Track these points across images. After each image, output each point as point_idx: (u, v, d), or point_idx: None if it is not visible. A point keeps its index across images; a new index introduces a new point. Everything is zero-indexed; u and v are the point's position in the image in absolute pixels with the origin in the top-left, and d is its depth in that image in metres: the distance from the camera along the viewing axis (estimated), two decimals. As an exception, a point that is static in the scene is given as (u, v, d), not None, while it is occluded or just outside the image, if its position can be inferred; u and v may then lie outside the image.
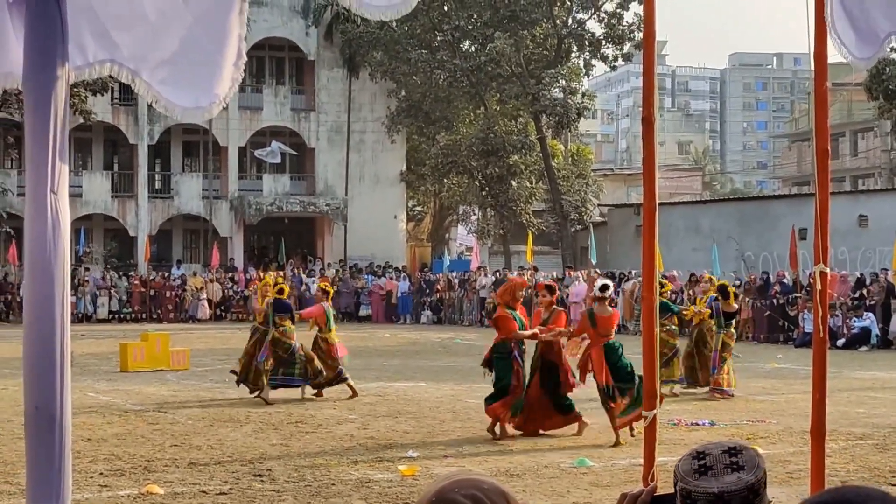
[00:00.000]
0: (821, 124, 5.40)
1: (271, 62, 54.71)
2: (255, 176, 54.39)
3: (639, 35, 45.94)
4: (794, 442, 13.61)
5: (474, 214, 56.99)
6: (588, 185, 54.61)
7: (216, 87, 4.15)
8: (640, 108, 5.45)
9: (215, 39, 4.10)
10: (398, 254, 53.32)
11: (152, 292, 44.78)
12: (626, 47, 50.14)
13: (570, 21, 51.05)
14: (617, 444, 13.57)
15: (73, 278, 42.06)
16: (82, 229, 47.21)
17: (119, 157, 53.80)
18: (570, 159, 55.72)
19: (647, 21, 5.36)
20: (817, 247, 5.25)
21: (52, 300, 3.67)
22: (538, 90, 48.15)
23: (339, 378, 18.17)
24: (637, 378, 13.31)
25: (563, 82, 49.75)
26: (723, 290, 19.72)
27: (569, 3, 50.67)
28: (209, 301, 44.51)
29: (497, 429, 14.21)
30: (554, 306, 15.11)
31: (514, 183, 50.26)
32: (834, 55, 5.52)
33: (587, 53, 51.41)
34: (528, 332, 14.40)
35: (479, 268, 44.01)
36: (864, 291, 33.07)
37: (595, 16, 50.57)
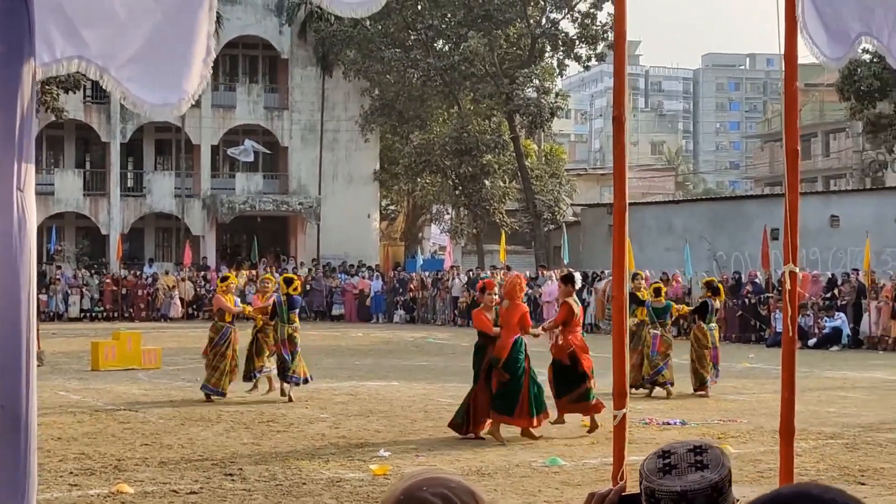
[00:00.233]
0: (791, 125, 5.42)
1: (244, 60, 54.50)
2: (227, 174, 54.19)
3: (612, 35, 45.88)
4: (764, 441, 13.66)
5: (447, 214, 57.00)
6: (561, 185, 54.64)
7: (185, 83, 4.12)
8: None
9: (184, 36, 4.07)
10: (371, 253, 53.28)
11: (124, 291, 44.68)
12: (600, 47, 50.14)
13: (543, 21, 51.07)
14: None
15: (44, 277, 41.86)
16: (54, 227, 47.01)
17: (91, 155, 53.55)
18: (543, 159, 55.73)
19: (618, 21, 5.38)
20: (787, 247, 5.27)
21: (18, 299, 3.63)
22: (512, 90, 48.23)
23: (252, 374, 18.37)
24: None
25: (537, 82, 49.80)
26: (712, 287, 19.82)
27: (542, 3, 50.68)
28: (181, 300, 44.41)
29: (485, 432, 14.13)
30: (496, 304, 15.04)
31: (487, 182, 50.27)
32: (806, 56, 5.54)
33: (561, 53, 51.43)
34: (497, 330, 14.38)
35: (452, 267, 43.96)
36: (836, 291, 33.25)
37: (569, 16, 50.62)
